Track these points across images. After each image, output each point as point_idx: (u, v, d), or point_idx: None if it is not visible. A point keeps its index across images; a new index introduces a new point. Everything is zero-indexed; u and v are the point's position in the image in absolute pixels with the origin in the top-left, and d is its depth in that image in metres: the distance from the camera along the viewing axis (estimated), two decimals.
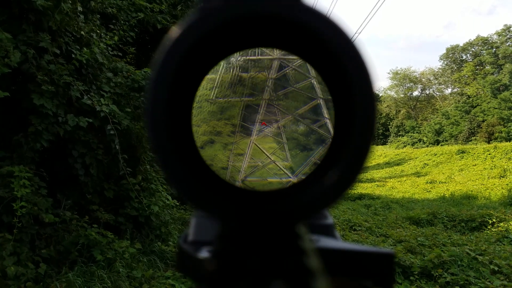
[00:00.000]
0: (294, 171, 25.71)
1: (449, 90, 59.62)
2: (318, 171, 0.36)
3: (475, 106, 45.86)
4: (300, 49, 0.36)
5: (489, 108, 43.26)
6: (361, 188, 21.30)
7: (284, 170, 24.33)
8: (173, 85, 0.31)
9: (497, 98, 43.40)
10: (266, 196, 0.35)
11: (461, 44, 57.01)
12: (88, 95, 5.00)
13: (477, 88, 49.93)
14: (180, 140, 0.33)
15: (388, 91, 63.10)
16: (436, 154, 32.78)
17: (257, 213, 0.33)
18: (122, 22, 7.08)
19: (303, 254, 0.31)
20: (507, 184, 17.60)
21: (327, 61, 0.33)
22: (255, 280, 0.30)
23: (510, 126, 38.19)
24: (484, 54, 52.89)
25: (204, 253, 0.36)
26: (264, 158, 26.15)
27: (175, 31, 0.31)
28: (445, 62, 59.74)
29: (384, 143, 54.91)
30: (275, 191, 0.36)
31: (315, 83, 25.59)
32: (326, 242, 0.38)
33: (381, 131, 56.82)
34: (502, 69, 48.97)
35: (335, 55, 0.31)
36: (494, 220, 9.50)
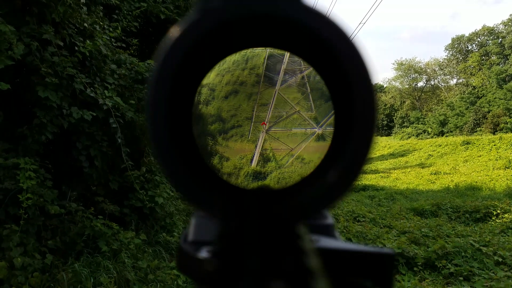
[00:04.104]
0: (319, 121, 25.42)
1: (454, 80, 59.26)
2: (319, 171, 0.36)
3: (481, 97, 45.54)
4: (300, 49, 0.36)
5: (495, 98, 42.92)
6: (365, 179, 21.28)
7: (309, 120, 24.02)
8: (173, 86, 0.31)
9: (503, 88, 43.04)
10: (266, 196, 0.35)
11: (467, 34, 56.52)
12: (92, 87, 5.00)
13: (482, 79, 49.53)
14: (180, 141, 0.33)
15: (393, 82, 62.79)
16: (440, 145, 32.64)
17: (257, 213, 0.33)
18: (125, 12, 7.05)
19: (303, 254, 0.31)
20: None
21: (326, 61, 0.33)
22: (255, 280, 0.30)
23: None
24: (490, 44, 52.35)
25: (204, 253, 0.36)
26: (288, 108, 25.83)
27: (175, 31, 0.31)
28: (451, 53, 59.27)
29: (388, 134, 54.74)
30: (276, 190, 0.36)
31: None
32: (326, 242, 0.38)
33: (385, 122, 56.62)
34: (508, 59, 48.52)
35: (335, 55, 0.31)
36: (498, 211, 9.48)
